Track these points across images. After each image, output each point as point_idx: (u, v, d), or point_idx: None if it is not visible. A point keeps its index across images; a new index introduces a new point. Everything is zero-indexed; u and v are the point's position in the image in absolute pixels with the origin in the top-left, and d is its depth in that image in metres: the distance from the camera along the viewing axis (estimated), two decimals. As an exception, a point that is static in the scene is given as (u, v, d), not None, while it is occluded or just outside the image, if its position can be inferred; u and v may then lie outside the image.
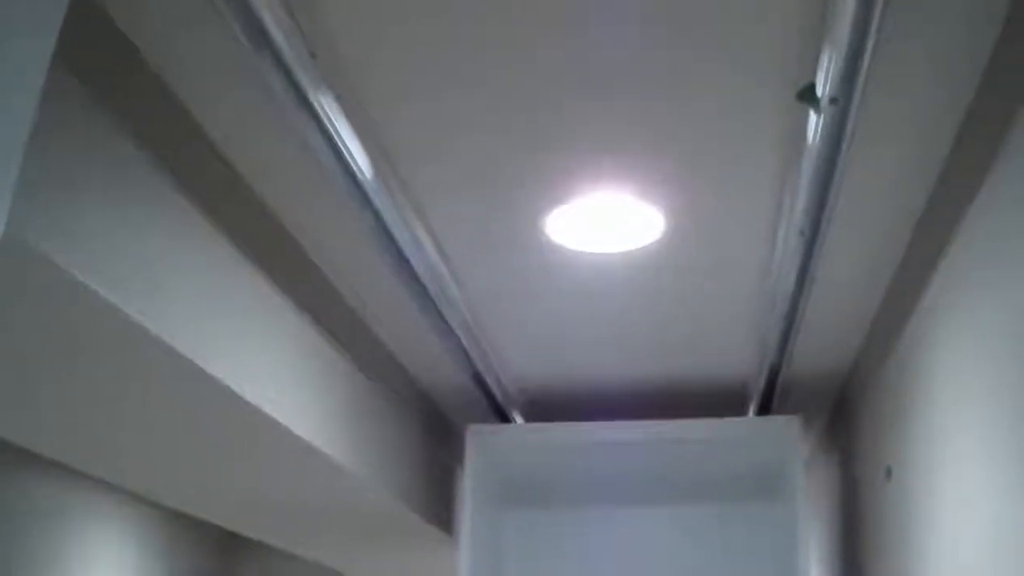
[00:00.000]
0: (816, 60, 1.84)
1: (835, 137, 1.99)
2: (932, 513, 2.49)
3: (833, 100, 1.86)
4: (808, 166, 2.11)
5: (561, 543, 3.86)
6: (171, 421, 2.60)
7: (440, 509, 4.23)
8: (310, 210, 2.57)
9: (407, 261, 2.60)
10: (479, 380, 3.49)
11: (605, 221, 2.55)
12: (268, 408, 2.52)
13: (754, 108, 2.10)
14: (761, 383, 3.51)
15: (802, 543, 3.57)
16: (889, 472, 2.96)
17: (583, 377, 3.72)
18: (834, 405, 4.04)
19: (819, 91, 1.87)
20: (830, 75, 1.81)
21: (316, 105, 1.96)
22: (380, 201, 2.33)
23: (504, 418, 3.90)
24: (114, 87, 1.90)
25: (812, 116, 1.97)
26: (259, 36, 1.76)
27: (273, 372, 2.57)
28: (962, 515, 2.24)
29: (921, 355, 2.57)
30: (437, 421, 4.19)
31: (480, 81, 2.03)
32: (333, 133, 2.05)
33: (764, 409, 3.75)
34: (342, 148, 2.11)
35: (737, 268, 2.82)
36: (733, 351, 3.46)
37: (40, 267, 1.71)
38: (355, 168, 2.18)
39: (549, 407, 4.04)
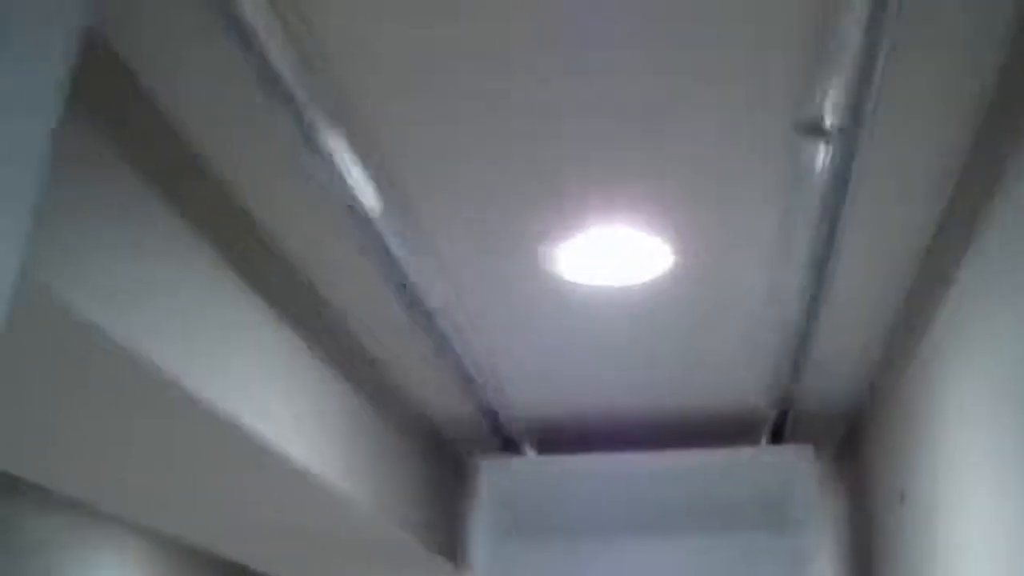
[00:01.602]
0: (823, 89, 1.84)
1: (842, 166, 1.98)
2: (947, 536, 2.47)
3: (840, 130, 1.86)
4: (815, 195, 2.11)
5: (572, 573, 3.83)
6: (170, 449, 2.59)
7: (445, 538, 4.21)
8: (315, 241, 2.57)
9: (414, 293, 2.60)
10: (487, 411, 3.48)
11: (613, 254, 2.55)
12: (269, 436, 2.51)
13: (760, 137, 2.10)
14: (773, 412, 3.50)
15: (815, 571, 3.55)
16: (903, 496, 2.95)
17: (594, 408, 3.71)
18: (846, 432, 4.02)
19: (826, 122, 1.87)
20: (836, 104, 1.81)
21: (323, 141, 1.96)
22: (386, 231, 2.33)
23: (513, 449, 3.88)
24: (121, 122, 1.90)
25: (819, 146, 1.97)
26: (267, 73, 1.77)
27: (278, 403, 2.57)
28: (977, 537, 2.22)
29: (932, 380, 2.56)
30: (445, 452, 4.18)
31: (488, 114, 2.03)
32: (340, 167, 2.06)
33: (776, 438, 3.73)
34: (349, 182, 2.11)
35: (746, 298, 2.82)
36: (744, 380, 3.44)
37: (43, 303, 1.71)
38: (362, 202, 2.18)
39: (560, 438, 4.03)
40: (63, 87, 1.27)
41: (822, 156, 1.98)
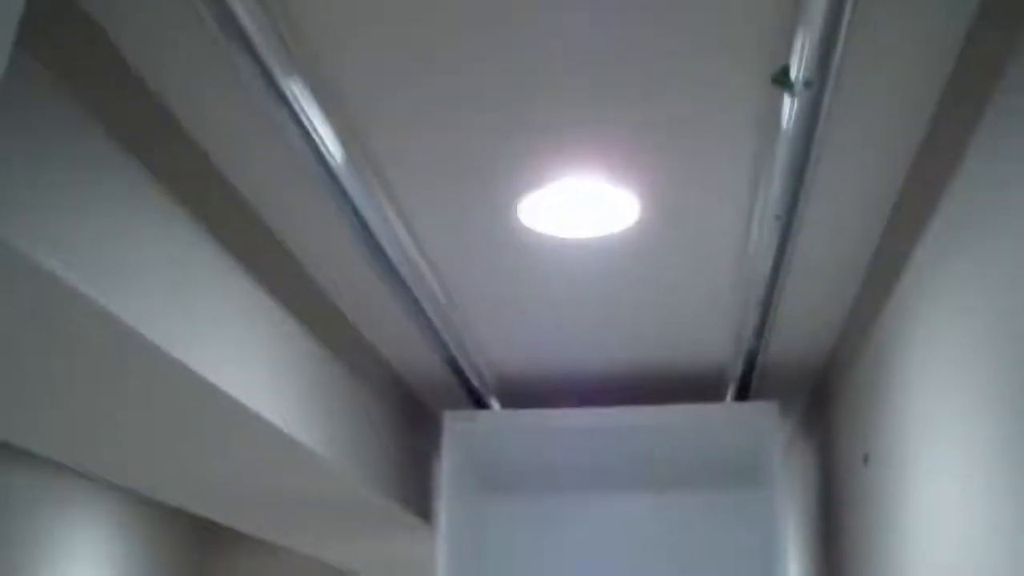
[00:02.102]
0: (790, 42, 1.82)
1: (810, 120, 1.97)
2: (909, 498, 2.48)
3: (807, 83, 1.85)
4: (783, 150, 2.10)
5: (539, 529, 3.85)
6: (144, 410, 2.58)
7: (417, 496, 4.21)
8: (283, 197, 2.55)
9: (381, 247, 2.58)
10: (455, 366, 3.48)
11: (579, 206, 2.53)
12: (241, 396, 2.50)
13: (728, 91, 2.08)
14: (739, 369, 3.50)
15: (780, 528, 3.57)
16: (867, 458, 2.96)
17: (559, 363, 3.71)
18: (812, 391, 4.03)
19: (793, 74, 1.85)
20: (804, 57, 1.79)
21: (288, 93, 1.94)
22: (352, 187, 2.30)
23: (480, 404, 3.88)
24: (86, 77, 1.87)
25: (787, 99, 1.95)
26: (231, 25, 1.74)
27: (246, 360, 2.55)
28: (940, 500, 2.23)
29: (898, 340, 2.56)
30: (413, 408, 4.17)
31: (452, 66, 2.00)
32: (305, 120, 2.03)
33: (742, 395, 3.74)
34: (314, 135, 2.08)
35: (713, 253, 2.81)
36: (710, 336, 3.45)
37: (9, 258, 1.68)
38: (327, 154, 2.16)
39: (525, 393, 4.03)
40: (11, 35, 1.23)
41: (789, 109, 1.96)
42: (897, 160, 2.34)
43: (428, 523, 4.36)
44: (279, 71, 1.88)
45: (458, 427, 3.87)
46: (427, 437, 4.38)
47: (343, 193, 2.32)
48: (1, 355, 2.18)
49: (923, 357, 2.33)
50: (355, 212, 2.41)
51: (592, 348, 3.56)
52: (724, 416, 3.76)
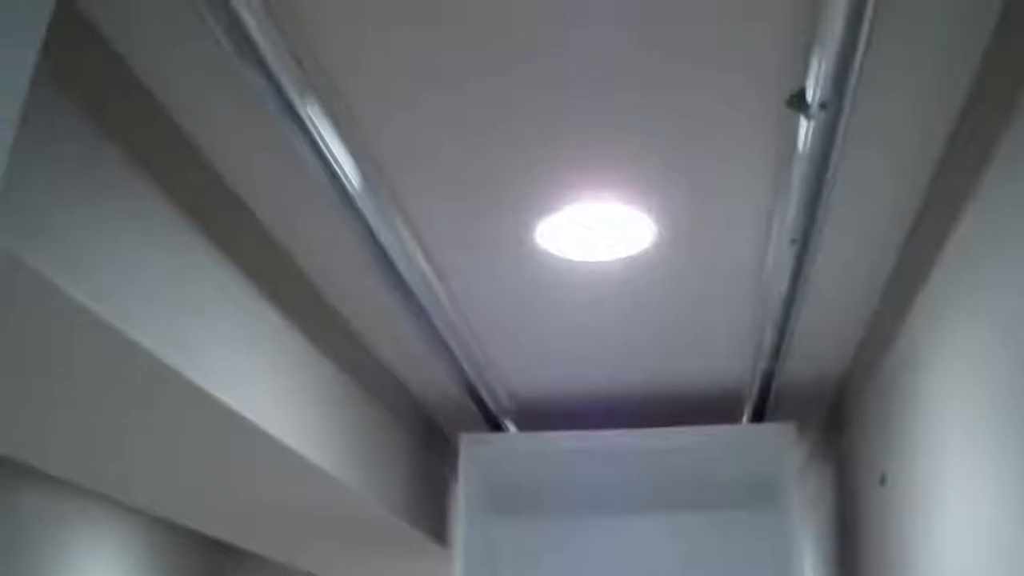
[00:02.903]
0: (806, 65, 1.83)
1: (826, 142, 1.98)
2: (927, 518, 2.48)
3: (823, 105, 1.85)
4: (799, 172, 2.10)
5: (555, 552, 3.84)
6: (161, 431, 2.58)
7: (433, 518, 4.21)
8: (298, 219, 2.56)
9: (397, 271, 2.58)
10: (471, 389, 3.48)
11: (596, 229, 2.54)
12: (257, 419, 2.50)
13: (745, 114, 2.09)
14: (755, 390, 3.50)
15: (797, 550, 3.56)
16: (883, 478, 2.95)
17: (576, 385, 3.71)
18: (828, 411, 4.02)
19: (809, 96, 1.86)
20: (820, 80, 1.80)
21: (302, 113, 1.94)
22: (369, 209, 2.31)
23: (497, 427, 3.88)
24: (101, 99, 1.88)
25: (803, 122, 1.96)
26: (245, 45, 1.75)
27: (263, 382, 2.55)
28: (957, 520, 2.23)
29: (914, 361, 2.56)
30: (430, 430, 4.18)
31: (469, 88, 2.01)
32: (320, 141, 2.04)
33: (758, 416, 3.74)
34: (329, 156, 2.09)
35: (729, 275, 2.81)
36: (726, 358, 3.44)
37: (18, 273, 1.69)
38: (343, 178, 2.17)
39: (542, 415, 4.03)
40: (34, 57, 1.25)
41: (805, 132, 1.97)
42: (913, 182, 2.34)
43: (444, 545, 4.36)
44: (295, 93, 1.89)
45: (474, 449, 3.87)
46: (443, 459, 4.37)
47: (359, 216, 2.33)
48: (16, 375, 2.19)
49: (939, 377, 2.33)
50: (371, 235, 2.41)
51: (608, 370, 3.55)
52: (740, 437, 3.75)
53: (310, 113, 1.95)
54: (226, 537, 4.23)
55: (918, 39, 1.86)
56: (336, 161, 2.12)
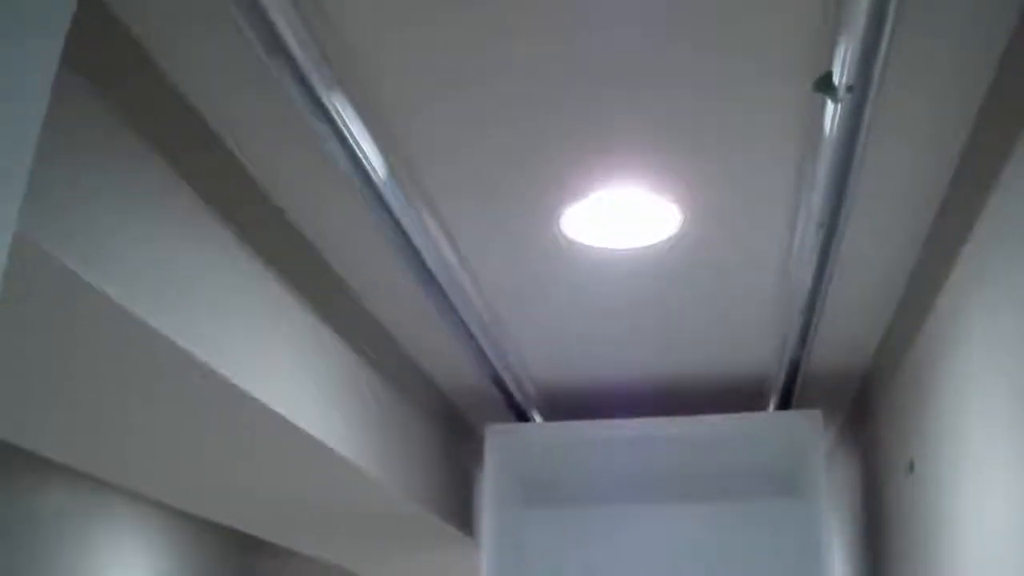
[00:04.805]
0: (833, 49, 1.82)
1: (852, 127, 1.97)
2: (955, 505, 2.46)
3: (849, 88, 1.84)
4: (825, 157, 2.09)
5: (582, 541, 3.84)
6: (187, 425, 2.59)
7: (460, 510, 4.22)
8: (325, 212, 2.56)
9: (423, 261, 2.59)
10: (497, 380, 3.48)
11: (622, 216, 2.54)
12: (284, 411, 2.51)
13: (771, 99, 2.08)
14: (781, 377, 3.49)
15: (824, 538, 3.55)
16: (912, 465, 2.94)
17: (602, 374, 3.71)
18: (855, 399, 4.01)
19: (836, 79, 1.85)
20: (847, 63, 1.79)
21: (329, 107, 1.95)
22: (395, 202, 2.32)
23: (523, 417, 3.89)
24: (126, 90, 1.89)
25: (829, 106, 1.95)
26: (272, 39, 1.75)
27: (290, 376, 2.56)
28: (985, 507, 2.21)
29: (943, 346, 2.54)
30: (456, 422, 4.18)
31: (493, 78, 2.01)
32: (347, 135, 2.04)
33: (784, 404, 3.73)
34: (356, 150, 2.10)
35: (756, 261, 2.80)
36: (753, 345, 3.43)
37: (48, 268, 1.70)
38: (369, 169, 2.17)
39: (568, 405, 4.03)
40: (59, 45, 1.26)
41: (832, 115, 1.96)
42: (941, 165, 2.33)
43: (471, 536, 4.36)
44: (322, 87, 1.89)
45: (500, 440, 3.88)
46: (469, 451, 4.38)
47: (385, 208, 2.33)
48: (40, 368, 2.20)
49: (968, 363, 2.32)
50: (397, 226, 2.42)
51: (634, 358, 3.55)
52: (767, 425, 3.74)
53: (337, 106, 1.96)
54: (253, 531, 4.25)
55: (945, 22, 1.84)
56: (363, 154, 2.12)
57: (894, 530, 3.26)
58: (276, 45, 1.77)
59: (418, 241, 2.49)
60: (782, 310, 3.09)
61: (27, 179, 1.17)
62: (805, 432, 3.68)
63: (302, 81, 1.86)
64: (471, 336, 3.08)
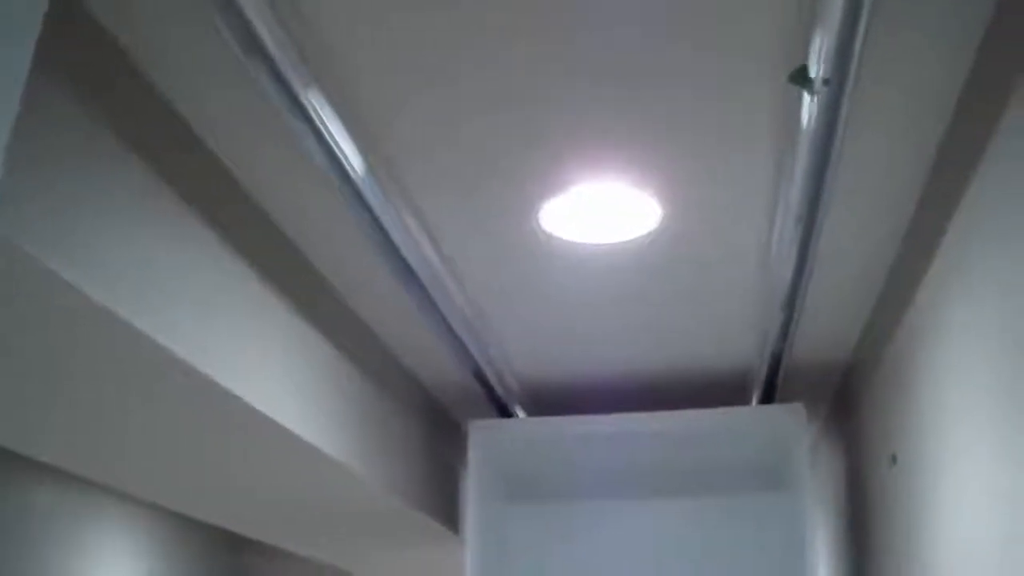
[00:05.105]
0: (808, 43, 1.82)
1: (830, 121, 1.97)
2: (937, 499, 2.47)
3: (826, 82, 1.84)
4: (803, 150, 2.10)
5: (566, 536, 3.84)
6: (170, 424, 2.59)
7: (444, 506, 4.22)
8: (306, 210, 2.56)
9: (403, 258, 2.58)
10: (479, 375, 3.48)
11: (601, 211, 2.54)
12: (267, 409, 2.51)
13: (748, 93, 2.08)
14: (763, 372, 3.49)
15: (808, 531, 3.56)
16: (894, 458, 2.95)
17: (584, 369, 3.71)
18: (837, 392, 4.02)
19: (812, 72, 1.85)
20: (823, 57, 1.79)
21: (307, 105, 1.95)
22: (373, 197, 2.31)
23: (505, 413, 3.88)
24: (102, 88, 1.88)
25: (806, 100, 1.95)
26: (249, 38, 1.75)
27: (271, 373, 2.56)
28: (968, 500, 2.22)
29: (924, 340, 2.55)
30: (439, 417, 4.18)
31: (470, 75, 2.01)
32: (324, 131, 2.04)
33: (767, 398, 3.73)
34: (333, 146, 2.09)
35: (736, 255, 2.81)
36: (734, 340, 3.44)
37: (29, 270, 1.70)
38: (348, 167, 2.17)
39: (550, 400, 4.03)
40: (30, 49, 1.25)
41: (809, 109, 1.96)
42: (919, 158, 2.33)
43: (455, 532, 4.36)
44: (299, 84, 1.89)
45: (483, 436, 3.88)
46: (452, 446, 4.38)
47: (364, 204, 2.33)
48: (27, 370, 2.20)
49: (948, 355, 2.32)
50: (376, 223, 2.41)
51: (616, 353, 3.55)
52: (750, 419, 3.75)
53: (315, 104, 1.96)
54: (238, 529, 4.24)
55: (921, 15, 1.85)
56: (341, 151, 2.12)
57: (877, 523, 3.27)
58: (253, 44, 1.76)
59: (398, 238, 2.49)
60: (763, 304, 3.10)
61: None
62: (788, 426, 3.68)
63: (279, 79, 1.86)
64: (453, 332, 3.08)
